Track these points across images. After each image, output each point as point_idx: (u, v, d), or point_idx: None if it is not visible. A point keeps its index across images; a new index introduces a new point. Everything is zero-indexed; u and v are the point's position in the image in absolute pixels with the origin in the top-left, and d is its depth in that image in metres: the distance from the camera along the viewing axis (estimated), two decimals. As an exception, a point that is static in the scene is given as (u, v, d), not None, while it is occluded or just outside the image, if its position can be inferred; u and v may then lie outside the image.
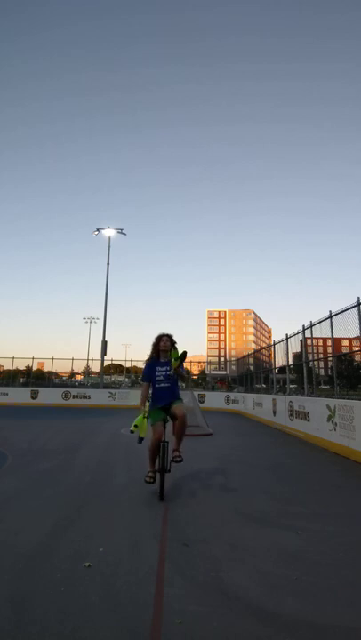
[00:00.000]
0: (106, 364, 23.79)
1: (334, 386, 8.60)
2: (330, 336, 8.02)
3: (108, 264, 23.38)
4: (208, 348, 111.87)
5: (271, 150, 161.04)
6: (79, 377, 31.28)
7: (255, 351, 21.76)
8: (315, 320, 8.89)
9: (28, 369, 24.23)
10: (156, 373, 3.98)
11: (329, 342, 8.30)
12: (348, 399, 7.05)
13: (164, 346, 4.04)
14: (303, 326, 9.53)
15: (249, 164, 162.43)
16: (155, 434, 3.79)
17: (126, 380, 33.03)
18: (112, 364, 31.78)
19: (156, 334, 4.18)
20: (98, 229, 23.88)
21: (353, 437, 5.96)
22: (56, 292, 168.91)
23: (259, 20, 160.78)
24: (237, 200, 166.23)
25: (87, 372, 27.65)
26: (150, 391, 4.04)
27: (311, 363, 9.54)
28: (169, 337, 4.10)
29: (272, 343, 12.81)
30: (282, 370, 11.94)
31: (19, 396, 18.53)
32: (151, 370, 4.03)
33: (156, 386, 3.96)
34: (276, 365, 12.80)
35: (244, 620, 1.83)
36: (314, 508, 3.60)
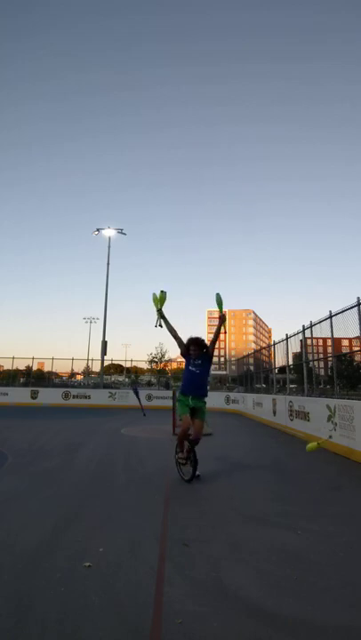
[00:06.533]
0: (106, 364, 23.82)
1: (334, 386, 8.60)
2: (330, 336, 8.02)
3: (108, 264, 23.42)
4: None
5: (271, 150, 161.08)
6: (79, 377, 31.27)
7: (255, 351, 21.76)
8: (315, 320, 8.89)
9: (28, 369, 24.20)
10: (191, 361, 4.40)
11: (329, 342, 8.30)
12: (349, 399, 7.05)
13: (193, 351, 4.42)
14: (303, 326, 9.52)
15: (249, 164, 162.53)
16: (184, 423, 4.34)
17: (126, 380, 33.02)
18: (112, 364, 31.80)
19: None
20: (98, 229, 23.90)
21: (353, 437, 5.96)
22: (56, 292, 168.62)
23: (259, 20, 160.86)
24: (237, 200, 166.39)
25: (87, 372, 27.66)
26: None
27: (311, 363, 9.54)
28: (197, 343, 4.47)
29: (272, 343, 12.81)
30: (282, 370, 11.93)
31: (19, 395, 18.52)
32: (187, 351, 4.45)
33: (190, 368, 4.39)
34: (276, 365, 12.79)
35: (244, 620, 1.83)
36: (314, 508, 3.60)
